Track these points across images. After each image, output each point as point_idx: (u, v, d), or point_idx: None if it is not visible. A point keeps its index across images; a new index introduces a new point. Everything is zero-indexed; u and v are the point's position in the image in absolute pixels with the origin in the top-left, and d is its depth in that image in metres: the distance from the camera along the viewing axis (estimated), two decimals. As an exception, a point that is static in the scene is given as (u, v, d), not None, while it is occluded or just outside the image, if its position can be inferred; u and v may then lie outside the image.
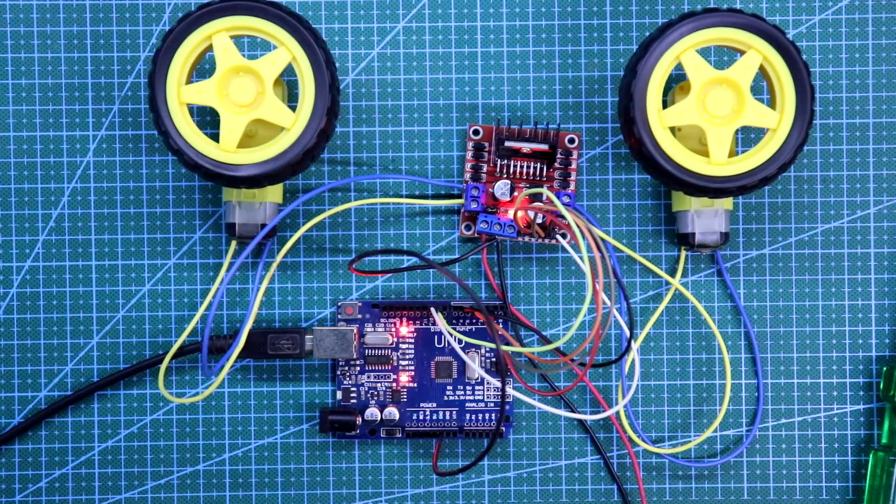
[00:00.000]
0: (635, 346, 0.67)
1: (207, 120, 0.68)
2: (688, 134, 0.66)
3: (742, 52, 0.63)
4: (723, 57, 0.69)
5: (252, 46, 0.69)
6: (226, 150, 0.62)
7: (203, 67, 0.68)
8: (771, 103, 0.63)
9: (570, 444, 0.69)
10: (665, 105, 0.67)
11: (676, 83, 0.67)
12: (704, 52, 0.68)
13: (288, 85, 0.68)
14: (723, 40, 0.62)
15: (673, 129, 0.66)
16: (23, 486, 0.69)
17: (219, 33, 0.62)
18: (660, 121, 0.62)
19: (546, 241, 0.67)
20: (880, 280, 0.69)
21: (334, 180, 0.69)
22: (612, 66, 0.69)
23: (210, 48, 0.63)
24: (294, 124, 0.62)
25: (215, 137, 0.66)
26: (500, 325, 0.68)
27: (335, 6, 0.69)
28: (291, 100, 0.68)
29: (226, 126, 0.62)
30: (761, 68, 0.63)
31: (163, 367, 0.67)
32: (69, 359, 0.68)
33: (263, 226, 0.66)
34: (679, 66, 0.67)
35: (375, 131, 0.69)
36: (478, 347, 0.68)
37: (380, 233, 0.69)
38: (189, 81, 0.63)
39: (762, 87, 0.68)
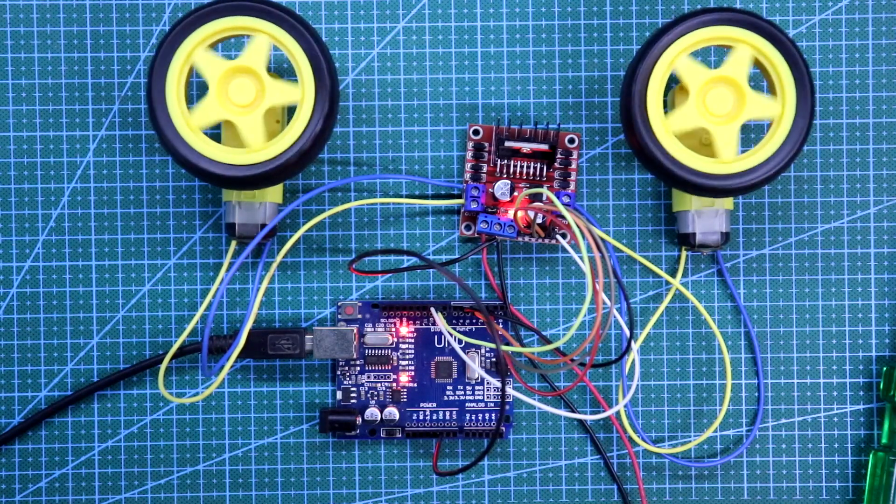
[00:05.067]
0: (635, 346, 0.67)
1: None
2: (689, 134, 0.66)
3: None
4: (722, 56, 0.68)
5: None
6: (226, 151, 0.62)
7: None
8: (770, 94, 0.63)
9: (570, 444, 0.69)
10: (665, 105, 0.67)
11: (677, 83, 0.67)
12: (706, 53, 0.68)
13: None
14: (715, 39, 0.62)
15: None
16: (23, 486, 0.69)
17: (218, 34, 0.62)
18: (663, 127, 0.62)
19: (546, 241, 0.67)
20: (880, 280, 0.69)
21: (334, 180, 0.69)
22: (612, 66, 0.69)
23: (212, 46, 0.63)
24: (293, 125, 0.62)
25: (215, 137, 0.66)
26: (500, 325, 0.68)
27: (335, 6, 0.69)
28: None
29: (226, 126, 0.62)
30: (757, 63, 0.63)
31: (163, 367, 0.67)
32: (69, 359, 0.68)
33: (263, 226, 0.66)
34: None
35: (375, 131, 0.69)
36: (478, 347, 0.68)
37: (380, 233, 0.69)
38: (189, 82, 0.63)
39: (762, 88, 0.68)
